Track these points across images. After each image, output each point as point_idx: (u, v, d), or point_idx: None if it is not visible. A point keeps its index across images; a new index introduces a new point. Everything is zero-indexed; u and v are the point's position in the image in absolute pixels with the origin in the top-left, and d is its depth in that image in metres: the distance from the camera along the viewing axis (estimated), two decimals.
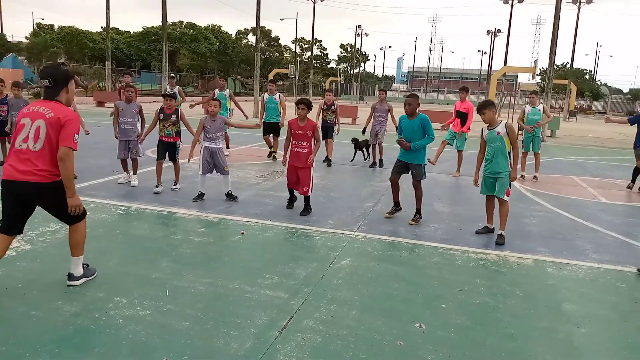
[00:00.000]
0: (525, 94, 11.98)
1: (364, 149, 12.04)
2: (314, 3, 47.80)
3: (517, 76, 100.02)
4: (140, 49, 59.81)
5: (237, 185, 8.53)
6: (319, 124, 11.34)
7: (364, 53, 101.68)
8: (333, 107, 11.42)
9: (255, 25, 29.37)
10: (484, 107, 6.27)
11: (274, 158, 11.52)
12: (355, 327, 3.73)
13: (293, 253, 5.35)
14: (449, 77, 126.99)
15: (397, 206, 7.01)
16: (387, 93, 12.04)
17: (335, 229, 6.23)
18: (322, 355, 3.31)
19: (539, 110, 10.84)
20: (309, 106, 6.65)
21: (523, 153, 10.95)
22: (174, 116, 7.61)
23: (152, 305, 3.91)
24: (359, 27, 77.41)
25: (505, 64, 47.50)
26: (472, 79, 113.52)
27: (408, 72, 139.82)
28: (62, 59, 45.44)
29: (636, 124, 10.27)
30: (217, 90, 11.87)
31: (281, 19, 62.39)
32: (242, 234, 5.88)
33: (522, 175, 10.82)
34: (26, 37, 55.23)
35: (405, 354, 3.40)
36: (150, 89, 48.73)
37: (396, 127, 7.47)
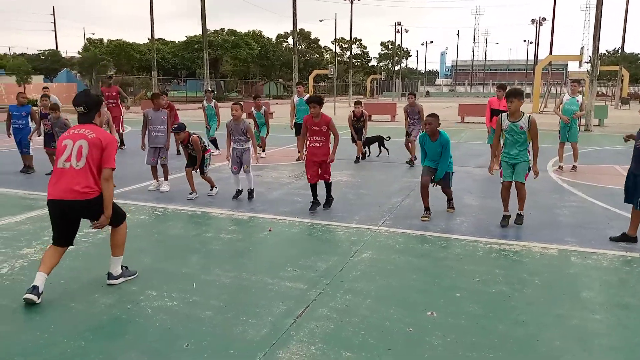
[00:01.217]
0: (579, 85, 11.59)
1: (379, 144, 12.42)
2: (352, 3, 47.87)
3: (566, 65, 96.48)
4: (185, 57, 61.66)
5: (269, 185, 8.84)
6: (352, 131, 11.60)
7: (405, 49, 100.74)
8: (362, 117, 11.57)
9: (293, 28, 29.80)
10: (514, 95, 6.11)
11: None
12: (368, 315, 3.89)
13: (316, 248, 5.55)
14: (495, 69, 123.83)
15: (428, 209, 6.85)
16: (416, 96, 12.02)
17: (360, 224, 6.39)
18: (332, 341, 3.49)
19: (577, 101, 10.55)
20: (320, 103, 6.78)
21: (560, 144, 10.72)
22: (190, 144, 7.74)
23: (180, 297, 4.20)
24: (399, 23, 76.71)
25: (550, 52, 45.95)
26: (519, 69, 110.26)
27: (452, 66, 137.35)
28: (111, 72, 47.51)
29: None
30: (254, 110, 12.09)
31: (320, 20, 62.65)
32: (270, 230, 6.13)
33: (559, 166, 10.60)
34: (78, 52, 58.09)
35: (413, 340, 3.53)
36: (196, 95, 50.28)
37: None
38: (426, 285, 4.51)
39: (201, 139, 7.90)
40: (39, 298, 4.06)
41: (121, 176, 8.99)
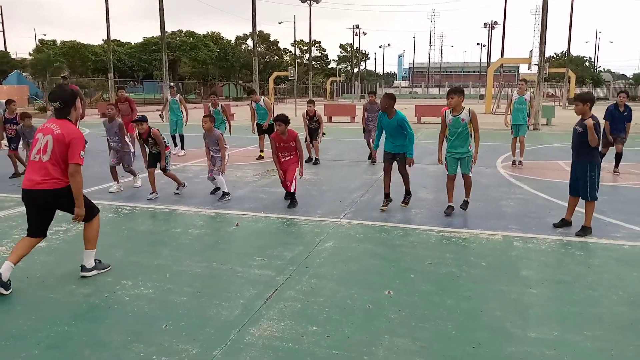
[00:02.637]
0: (527, 85, 12.36)
1: None
2: (310, 5, 48.38)
3: (518, 67, 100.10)
4: (142, 59, 60.70)
5: (234, 183, 9.10)
6: (307, 132, 11.83)
7: (363, 52, 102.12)
8: (315, 117, 11.77)
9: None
10: (454, 92, 6.71)
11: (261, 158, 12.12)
12: (331, 295, 4.27)
13: (282, 239, 5.89)
14: (451, 71, 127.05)
15: (388, 197, 7.38)
16: (376, 95, 12.52)
17: (323, 217, 6.77)
18: (300, 317, 3.85)
19: (525, 99, 11.23)
20: (285, 121, 7.23)
21: (513, 139, 11.36)
22: (150, 139, 7.78)
23: (155, 285, 4.46)
24: (357, 26, 77.96)
25: (502, 55, 47.81)
26: (473, 71, 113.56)
27: (409, 68, 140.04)
28: (65, 73, 46.24)
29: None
30: (210, 107, 12.32)
31: (279, 23, 63.08)
32: (237, 225, 6.43)
33: (513, 161, 11.25)
34: (29, 54, 56.28)
35: (372, 314, 3.93)
36: (154, 98, 49.56)
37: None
38: (384, 269, 4.93)
39: (161, 134, 7.94)
40: (6, 289, 4.24)
41: (86, 178, 9.04)
